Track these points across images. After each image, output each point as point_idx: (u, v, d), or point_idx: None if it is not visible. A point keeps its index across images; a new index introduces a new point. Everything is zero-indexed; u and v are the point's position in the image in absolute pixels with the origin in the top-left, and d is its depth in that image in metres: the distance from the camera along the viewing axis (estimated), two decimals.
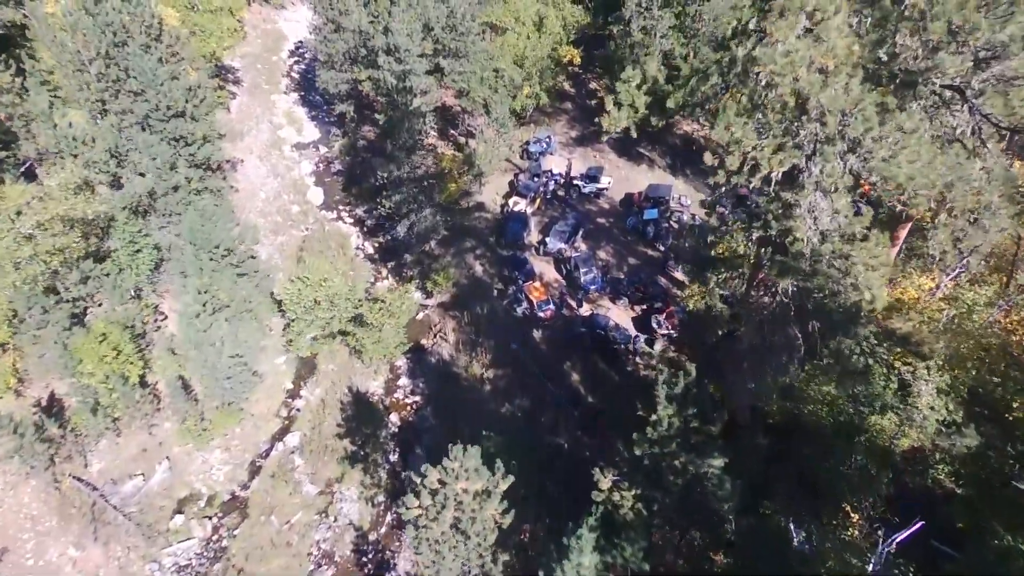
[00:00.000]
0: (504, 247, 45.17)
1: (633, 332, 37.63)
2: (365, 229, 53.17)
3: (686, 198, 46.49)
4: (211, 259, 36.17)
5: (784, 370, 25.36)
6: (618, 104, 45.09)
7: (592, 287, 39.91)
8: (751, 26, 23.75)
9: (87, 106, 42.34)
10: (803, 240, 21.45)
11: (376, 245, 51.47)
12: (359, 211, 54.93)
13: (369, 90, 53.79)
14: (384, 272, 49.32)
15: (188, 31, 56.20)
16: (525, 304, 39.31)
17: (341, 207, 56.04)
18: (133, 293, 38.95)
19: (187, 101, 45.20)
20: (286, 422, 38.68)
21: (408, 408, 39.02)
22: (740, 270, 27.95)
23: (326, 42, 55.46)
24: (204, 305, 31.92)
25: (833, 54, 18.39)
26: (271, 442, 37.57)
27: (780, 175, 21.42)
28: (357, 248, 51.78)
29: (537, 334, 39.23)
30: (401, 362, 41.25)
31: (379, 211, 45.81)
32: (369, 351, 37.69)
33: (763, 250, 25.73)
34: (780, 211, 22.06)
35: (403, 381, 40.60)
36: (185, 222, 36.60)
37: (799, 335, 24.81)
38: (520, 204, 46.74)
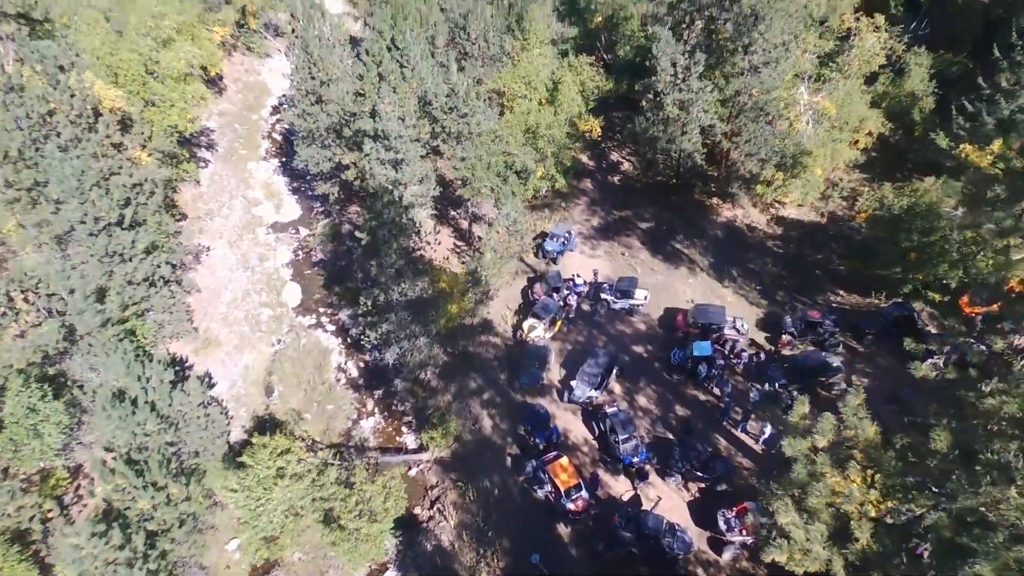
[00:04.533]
0: (518, 390, 36.28)
1: (693, 534, 28.48)
2: (349, 340, 44.38)
3: (742, 321, 37.67)
4: (131, 444, 27.19)
5: None
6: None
7: (634, 459, 30.94)
8: None
9: None
10: None
11: (361, 365, 42.63)
12: (342, 315, 46.21)
13: (354, 177, 45.32)
14: (370, 404, 40.39)
15: (144, 102, 47.96)
16: (549, 487, 30.32)
17: (321, 309, 47.31)
18: (36, 471, 30.05)
19: (125, 205, 36.70)
20: None
21: None
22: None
23: (305, 116, 47.10)
24: (106, 537, 22.91)
25: None
26: None
27: None
28: (338, 368, 42.92)
29: (565, 530, 30.08)
30: (388, 542, 32.08)
31: (366, 337, 36.97)
32: (344, 555, 28.59)
33: None
34: None
35: (391, 575, 31.45)
36: (99, 398, 27.58)
37: None
38: (537, 329, 37.91)
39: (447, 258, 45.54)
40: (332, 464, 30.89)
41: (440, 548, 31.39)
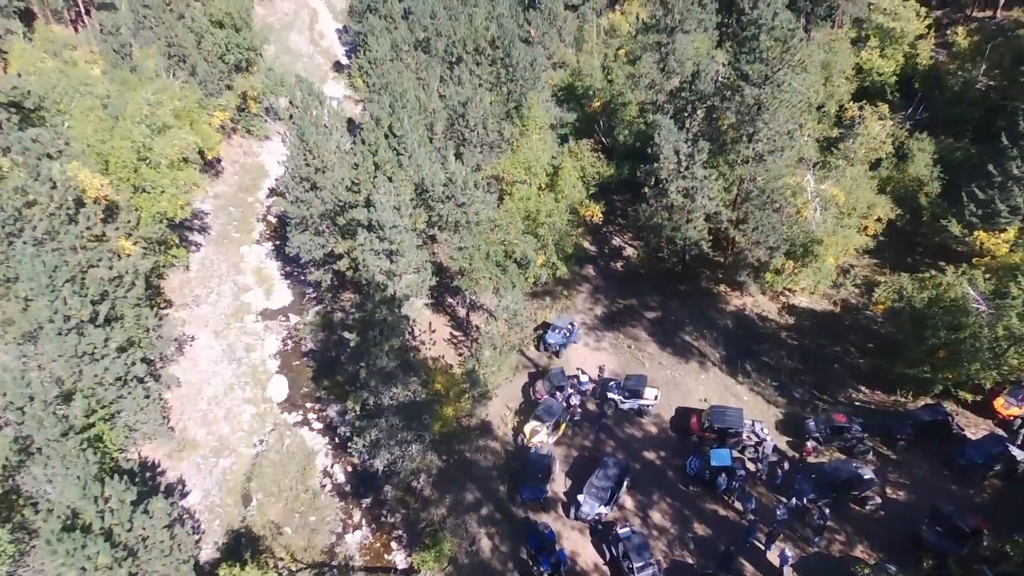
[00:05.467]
0: (519, 504, 33.03)
1: None
2: (336, 440, 41.22)
3: (762, 425, 34.84)
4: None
5: None
6: None
7: None
8: None
9: None
10: None
11: (349, 469, 39.33)
12: (331, 411, 43.18)
13: (346, 268, 43.50)
14: (357, 515, 36.86)
15: (133, 188, 46.65)
16: None
17: (309, 404, 44.35)
18: None
19: (102, 300, 34.56)
20: None
21: None
22: None
23: (299, 203, 45.79)
24: None
25: None
26: None
27: None
28: (324, 473, 39.57)
29: None
30: None
31: (354, 444, 34.02)
32: None
33: None
34: None
35: None
36: (43, 530, 24.42)
37: None
38: (539, 433, 34.98)
39: (442, 356, 42.96)
40: None
41: None
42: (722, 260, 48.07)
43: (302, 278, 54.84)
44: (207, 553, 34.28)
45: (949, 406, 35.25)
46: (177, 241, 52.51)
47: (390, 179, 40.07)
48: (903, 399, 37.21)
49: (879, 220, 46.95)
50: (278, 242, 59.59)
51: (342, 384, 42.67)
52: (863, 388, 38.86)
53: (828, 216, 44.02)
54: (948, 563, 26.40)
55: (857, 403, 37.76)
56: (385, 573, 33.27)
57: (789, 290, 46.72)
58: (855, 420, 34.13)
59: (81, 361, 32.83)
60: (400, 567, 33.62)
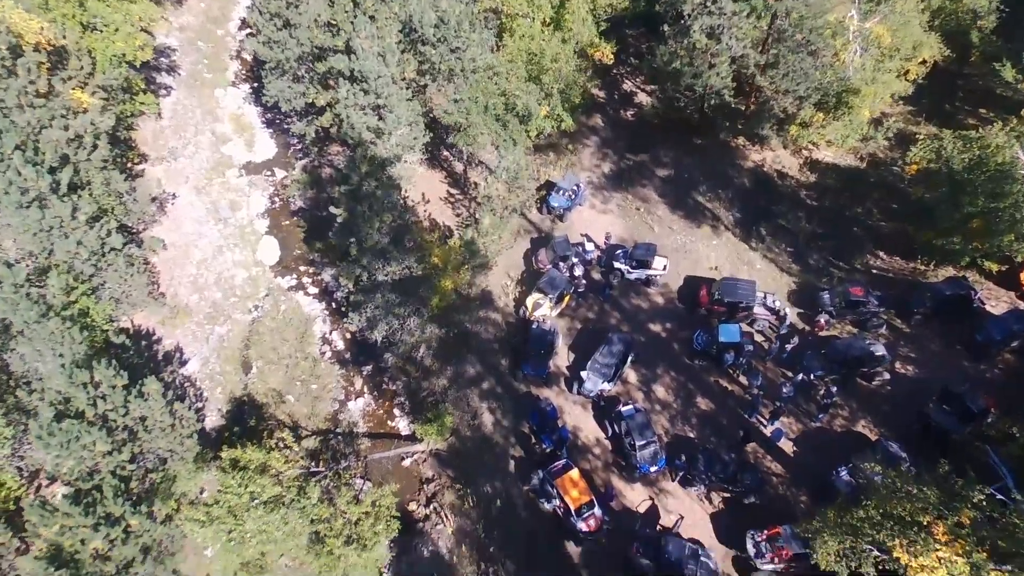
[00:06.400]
0: (521, 379, 32.56)
1: (717, 554, 25.67)
2: (334, 305, 40.22)
3: (774, 298, 33.34)
4: (79, 470, 23.62)
5: None
6: None
7: (651, 468, 27.73)
8: None
9: None
10: None
11: (348, 336, 38.70)
12: (325, 275, 41.68)
13: (329, 124, 39.38)
14: (359, 383, 36.86)
15: (81, 27, 40.90)
16: (557, 502, 27.24)
17: (302, 267, 42.76)
18: None
19: (63, 165, 31.37)
20: None
21: None
22: None
23: (271, 44, 40.44)
24: None
25: None
26: None
27: None
28: (322, 339, 39.02)
29: (575, 549, 27.23)
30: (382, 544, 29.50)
31: (349, 320, 32.85)
32: None
33: None
34: None
35: None
36: (32, 426, 23.68)
37: None
38: (542, 306, 33.61)
39: (441, 222, 40.30)
40: (316, 473, 27.62)
41: (438, 556, 28.82)
42: (744, 109, 43.64)
43: (285, 127, 50.40)
44: (212, 420, 34.71)
45: (972, 276, 33.62)
46: (143, 86, 47.35)
47: (372, 19, 34.69)
48: (922, 266, 35.49)
49: (923, 62, 41.87)
50: (255, 84, 54.02)
51: (335, 247, 40.67)
52: (882, 254, 36.97)
53: (868, 60, 39.02)
54: (951, 442, 26.35)
55: (875, 271, 36.11)
56: (390, 439, 33.85)
57: (813, 143, 42.98)
58: (872, 293, 32.60)
59: (50, 235, 30.48)
60: (404, 432, 34.17)
